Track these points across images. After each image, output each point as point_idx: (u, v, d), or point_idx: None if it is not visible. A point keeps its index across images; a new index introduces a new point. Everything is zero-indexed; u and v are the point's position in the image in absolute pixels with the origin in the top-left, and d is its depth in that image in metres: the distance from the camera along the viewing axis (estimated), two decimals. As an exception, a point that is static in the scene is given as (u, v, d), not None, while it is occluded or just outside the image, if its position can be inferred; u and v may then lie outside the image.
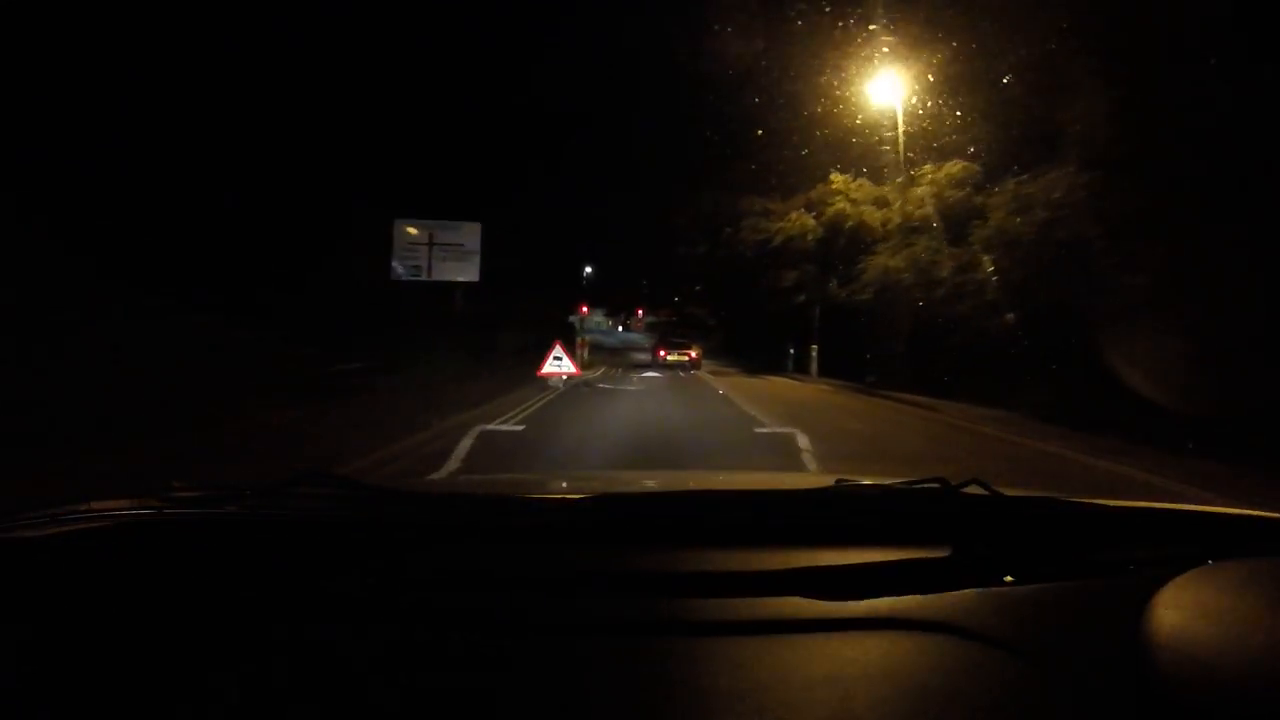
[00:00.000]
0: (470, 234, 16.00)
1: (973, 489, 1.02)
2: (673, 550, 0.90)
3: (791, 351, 20.81)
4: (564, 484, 1.68)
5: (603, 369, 19.42)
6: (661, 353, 20.62)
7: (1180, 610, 0.75)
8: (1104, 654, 0.72)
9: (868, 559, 0.87)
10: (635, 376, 17.03)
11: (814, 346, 19.22)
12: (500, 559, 0.90)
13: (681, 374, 18.14)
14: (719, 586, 0.83)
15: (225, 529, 0.92)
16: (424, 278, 15.64)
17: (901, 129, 14.07)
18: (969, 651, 0.73)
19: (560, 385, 11.24)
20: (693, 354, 19.88)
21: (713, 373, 19.01)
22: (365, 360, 10.85)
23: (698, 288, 34.24)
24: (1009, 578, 0.87)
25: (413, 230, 15.78)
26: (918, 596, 0.82)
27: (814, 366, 19.02)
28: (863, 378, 15.42)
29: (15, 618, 0.77)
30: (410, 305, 14.69)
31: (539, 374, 10.85)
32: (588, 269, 43.74)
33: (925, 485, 1.03)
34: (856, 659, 0.72)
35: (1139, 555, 0.94)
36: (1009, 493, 1.04)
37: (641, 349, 29.14)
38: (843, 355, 17.00)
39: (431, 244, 15.74)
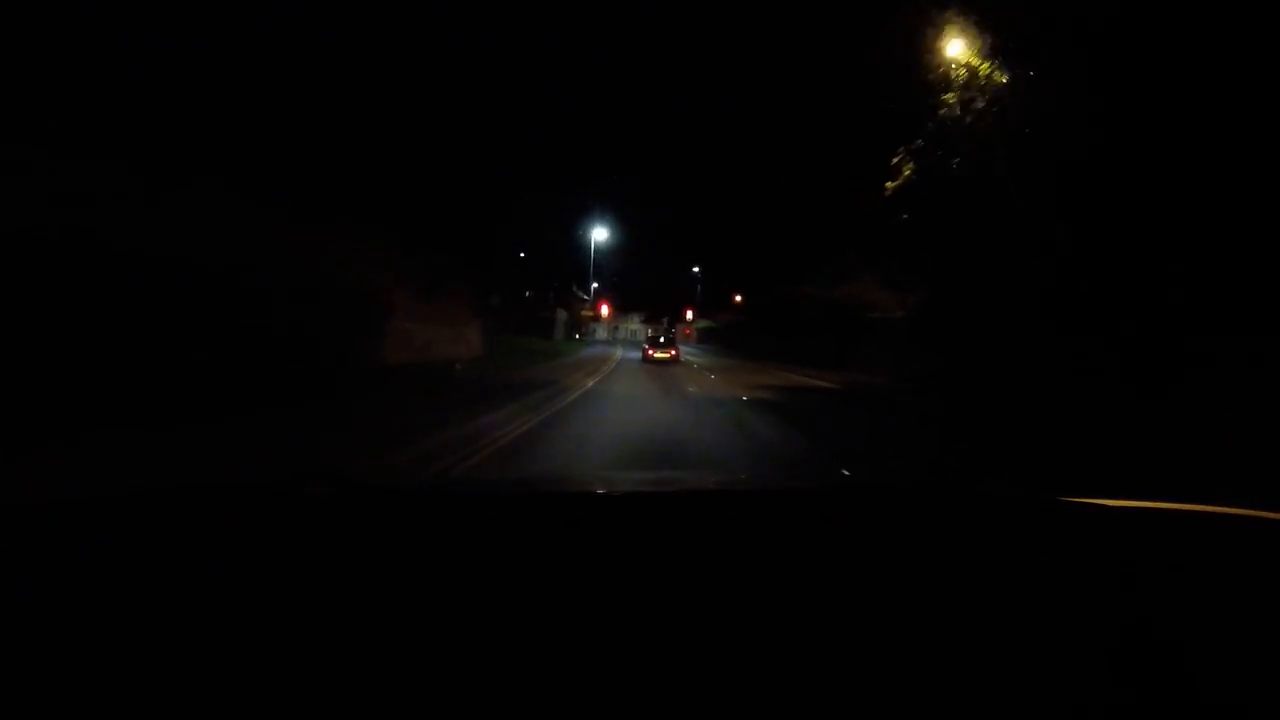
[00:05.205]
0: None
1: (979, 490, 1.04)
2: (678, 550, 0.90)
3: None
4: (566, 485, 1.68)
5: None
6: (650, 352, 24.58)
7: (1177, 609, 0.76)
8: (1104, 653, 0.72)
9: (872, 554, 0.89)
10: None
11: None
12: (502, 557, 0.90)
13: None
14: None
15: (225, 530, 0.93)
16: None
17: None
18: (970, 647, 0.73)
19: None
20: (673, 352, 24.40)
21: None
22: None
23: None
24: (1009, 576, 0.88)
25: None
26: (922, 591, 0.83)
27: None
28: None
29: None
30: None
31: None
32: (600, 234, 32.74)
33: (933, 483, 1.06)
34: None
35: (1139, 554, 0.94)
36: (1012, 492, 1.06)
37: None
38: None
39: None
